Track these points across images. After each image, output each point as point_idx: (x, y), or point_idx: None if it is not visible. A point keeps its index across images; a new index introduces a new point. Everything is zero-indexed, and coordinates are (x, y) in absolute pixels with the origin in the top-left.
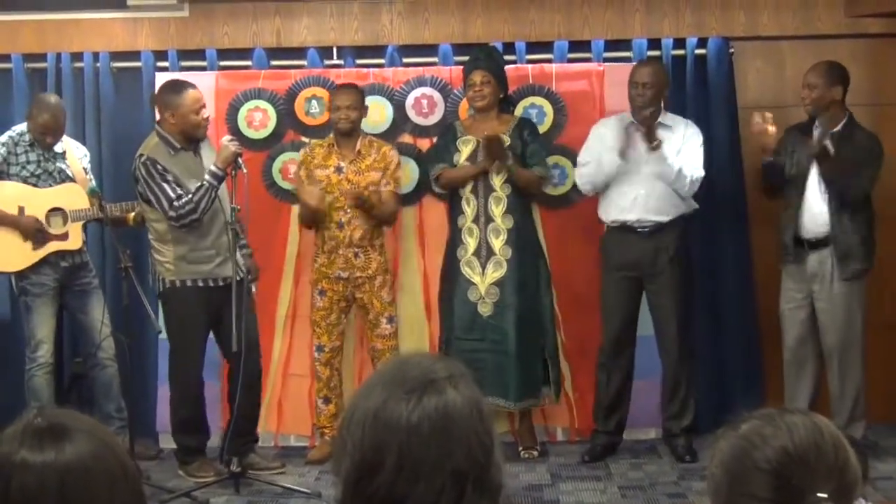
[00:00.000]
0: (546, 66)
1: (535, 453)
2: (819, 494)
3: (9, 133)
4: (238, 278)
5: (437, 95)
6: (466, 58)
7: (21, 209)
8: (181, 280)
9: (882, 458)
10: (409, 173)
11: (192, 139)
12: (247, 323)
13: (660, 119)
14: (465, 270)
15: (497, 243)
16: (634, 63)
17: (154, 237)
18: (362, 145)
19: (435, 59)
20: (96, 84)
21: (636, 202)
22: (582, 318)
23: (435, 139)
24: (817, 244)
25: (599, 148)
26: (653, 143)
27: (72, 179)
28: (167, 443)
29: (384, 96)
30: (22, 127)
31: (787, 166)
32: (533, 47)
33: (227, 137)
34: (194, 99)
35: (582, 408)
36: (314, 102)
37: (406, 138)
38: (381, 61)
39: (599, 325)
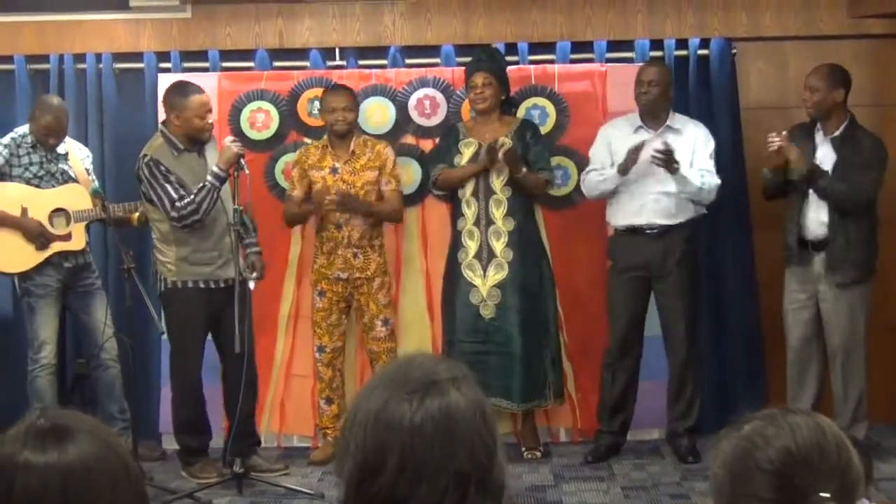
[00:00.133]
0: (548, 66)
1: (538, 454)
2: (821, 494)
3: (11, 134)
4: (240, 279)
5: (439, 96)
6: (469, 58)
7: (24, 210)
8: (182, 281)
9: (884, 459)
10: (412, 174)
11: (195, 142)
12: (247, 324)
13: (668, 122)
14: (467, 273)
15: (498, 246)
16: (638, 64)
17: (157, 237)
18: (356, 145)
19: (437, 60)
20: (99, 85)
21: (645, 207)
22: (585, 319)
23: (437, 140)
24: (821, 246)
25: (605, 155)
26: (673, 170)
27: (74, 180)
28: (170, 444)
29: (386, 97)
30: (24, 128)
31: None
32: (535, 48)
33: (229, 138)
34: (200, 103)
35: (585, 408)
36: (317, 103)
37: (408, 139)
38: (384, 62)
39: (602, 326)
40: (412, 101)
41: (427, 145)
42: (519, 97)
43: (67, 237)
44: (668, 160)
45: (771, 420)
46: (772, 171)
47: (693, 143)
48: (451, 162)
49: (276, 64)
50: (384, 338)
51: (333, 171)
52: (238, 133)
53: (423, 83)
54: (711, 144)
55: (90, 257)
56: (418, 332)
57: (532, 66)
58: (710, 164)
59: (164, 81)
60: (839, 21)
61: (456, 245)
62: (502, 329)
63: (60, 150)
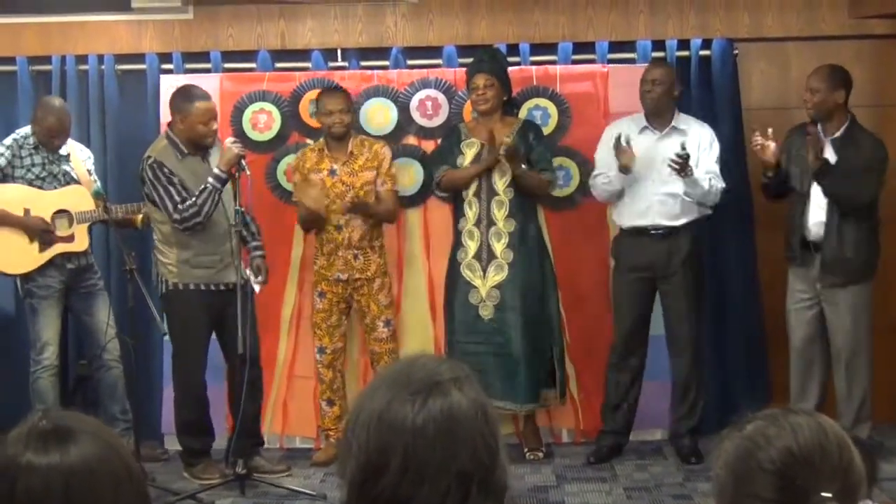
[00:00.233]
0: (550, 67)
1: (541, 455)
2: (823, 495)
3: (13, 136)
4: (242, 282)
5: (441, 97)
6: (470, 59)
7: (27, 211)
8: (183, 283)
9: (887, 459)
10: (414, 175)
11: (199, 147)
12: (250, 326)
13: (673, 122)
14: (466, 273)
15: (499, 246)
16: (640, 65)
17: (159, 238)
18: (354, 146)
19: (439, 61)
20: (101, 86)
21: (650, 209)
22: (587, 319)
23: (439, 141)
24: (822, 247)
25: (609, 158)
26: (685, 175)
27: (77, 182)
28: (172, 444)
29: (388, 98)
30: (26, 129)
31: (789, 167)
32: (537, 49)
33: (230, 139)
34: (204, 110)
35: (587, 409)
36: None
37: (411, 140)
38: (386, 63)
39: (605, 326)
40: (414, 102)
41: (429, 146)
42: (521, 98)
43: (70, 238)
44: (683, 165)
45: (773, 420)
46: (765, 172)
47: (698, 144)
48: (453, 163)
49: (278, 65)
50: (386, 339)
51: (332, 172)
52: (240, 134)
53: (424, 84)
54: (717, 147)
55: (92, 258)
56: (420, 333)
57: (534, 67)
58: (716, 168)
59: (166, 82)
60: (841, 21)
61: (456, 245)
62: (502, 330)
63: (62, 151)
